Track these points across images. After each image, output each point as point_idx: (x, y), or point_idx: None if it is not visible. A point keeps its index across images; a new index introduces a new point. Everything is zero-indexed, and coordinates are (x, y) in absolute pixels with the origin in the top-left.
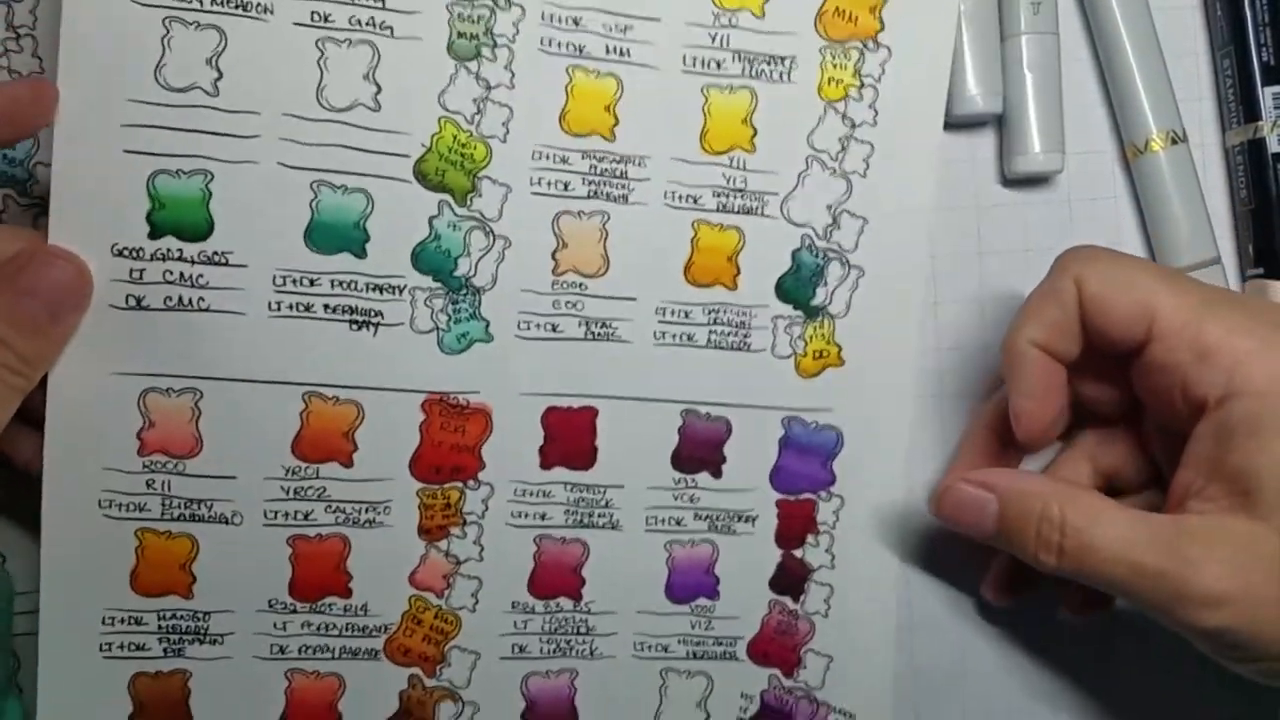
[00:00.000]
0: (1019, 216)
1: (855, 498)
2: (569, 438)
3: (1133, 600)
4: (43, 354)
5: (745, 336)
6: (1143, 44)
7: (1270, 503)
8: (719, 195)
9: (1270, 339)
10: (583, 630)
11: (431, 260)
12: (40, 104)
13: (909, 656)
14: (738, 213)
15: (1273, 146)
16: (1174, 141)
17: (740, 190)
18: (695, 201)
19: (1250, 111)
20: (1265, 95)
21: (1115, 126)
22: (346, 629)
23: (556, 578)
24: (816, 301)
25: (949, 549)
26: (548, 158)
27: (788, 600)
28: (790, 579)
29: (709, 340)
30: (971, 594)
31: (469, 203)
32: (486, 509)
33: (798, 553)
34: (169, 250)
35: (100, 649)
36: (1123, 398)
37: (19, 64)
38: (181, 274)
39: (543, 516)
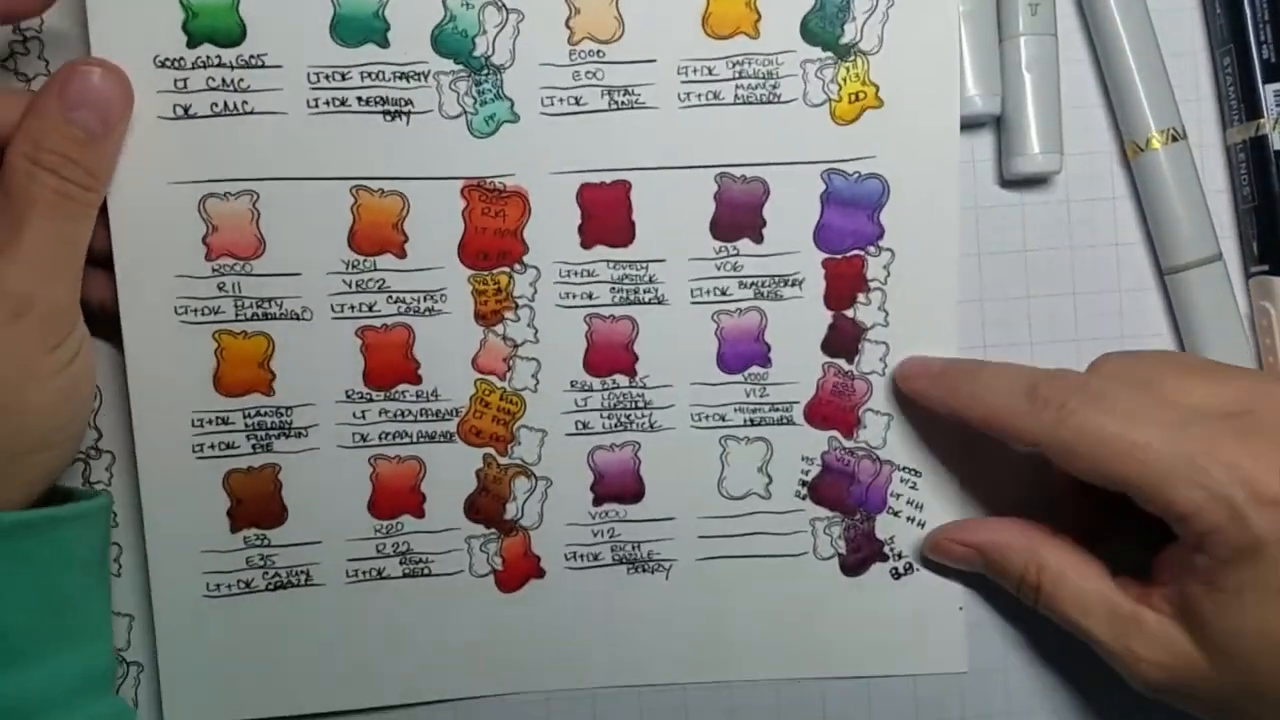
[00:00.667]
0: (1018, 217)
1: (906, 250)
2: (605, 214)
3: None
4: (103, 164)
5: (774, 87)
6: (1141, 41)
7: (1214, 642)
8: None
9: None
10: (640, 405)
11: (450, 42)
12: None
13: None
14: None
15: (1275, 144)
16: (1173, 139)
17: None
18: None
19: (1251, 109)
20: (1266, 92)
21: (1114, 127)
22: (421, 414)
23: (609, 355)
24: (846, 39)
25: None
26: None
27: (842, 362)
28: (843, 340)
29: (736, 96)
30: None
31: None
32: (535, 292)
33: (849, 312)
34: (208, 58)
35: (193, 450)
36: None
37: (25, 66)
38: (223, 79)
39: (589, 296)
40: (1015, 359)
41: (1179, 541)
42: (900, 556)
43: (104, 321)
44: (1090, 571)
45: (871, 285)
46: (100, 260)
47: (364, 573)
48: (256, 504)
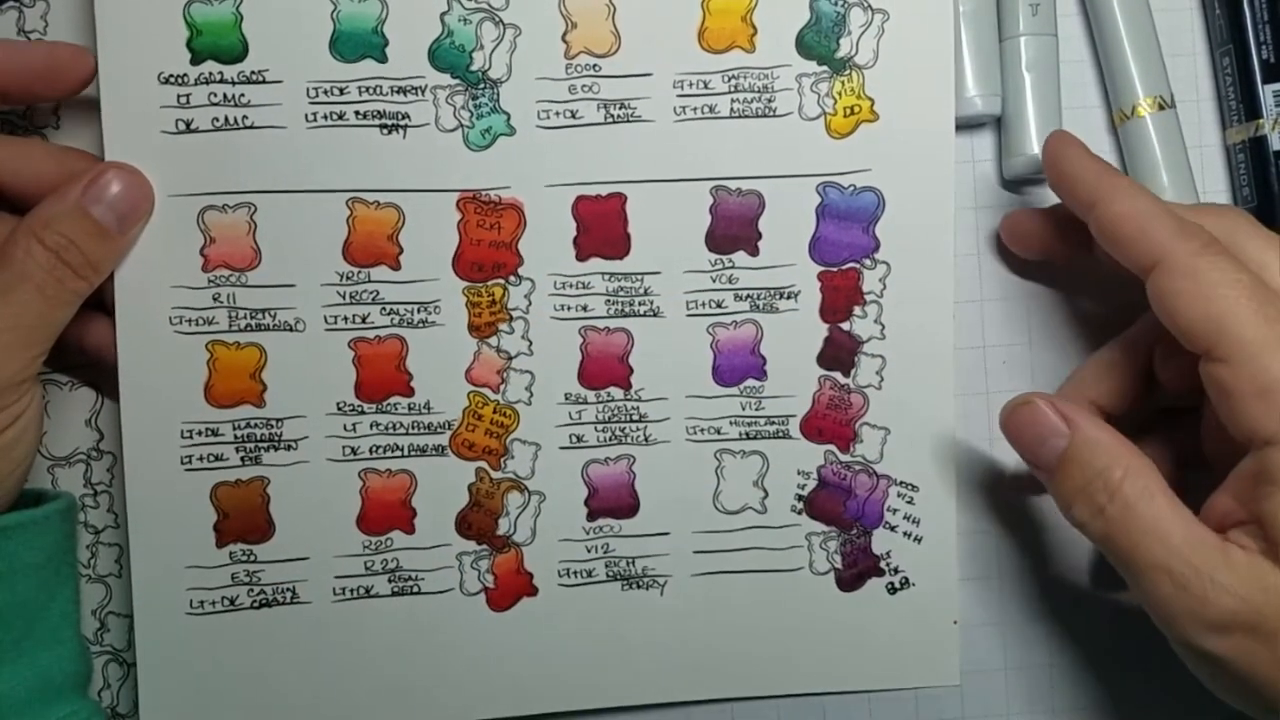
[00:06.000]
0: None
1: (902, 263)
2: (600, 226)
3: (1141, 592)
4: (107, 260)
5: (770, 101)
6: (1133, 9)
7: None
8: None
9: None
10: (635, 418)
11: (447, 57)
12: (79, 66)
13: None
14: None
15: (1274, 144)
16: (1161, 107)
17: None
18: None
19: (1251, 109)
20: (1265, 93)
21: (1113, 129)
22: (412, 427)
23: (604, 368)
24: (841, 53)
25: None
26: None
27: (838, 375)
28: (839, 353)
29: (732, 109)
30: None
31: None
32: (530, 304)
33: (845, 325)
34: (211, 74)
35: (181, 462)
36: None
37: None
38: (225, 95)
39: (584, 308)
40: (1015, 359)
41: (1243, 464)
42: (896, 571)
43: (99, 367)
44: (1176, 501)
45: (868, 298)
46: (101, 307)
47: (351, 590)
48: (244, 518)
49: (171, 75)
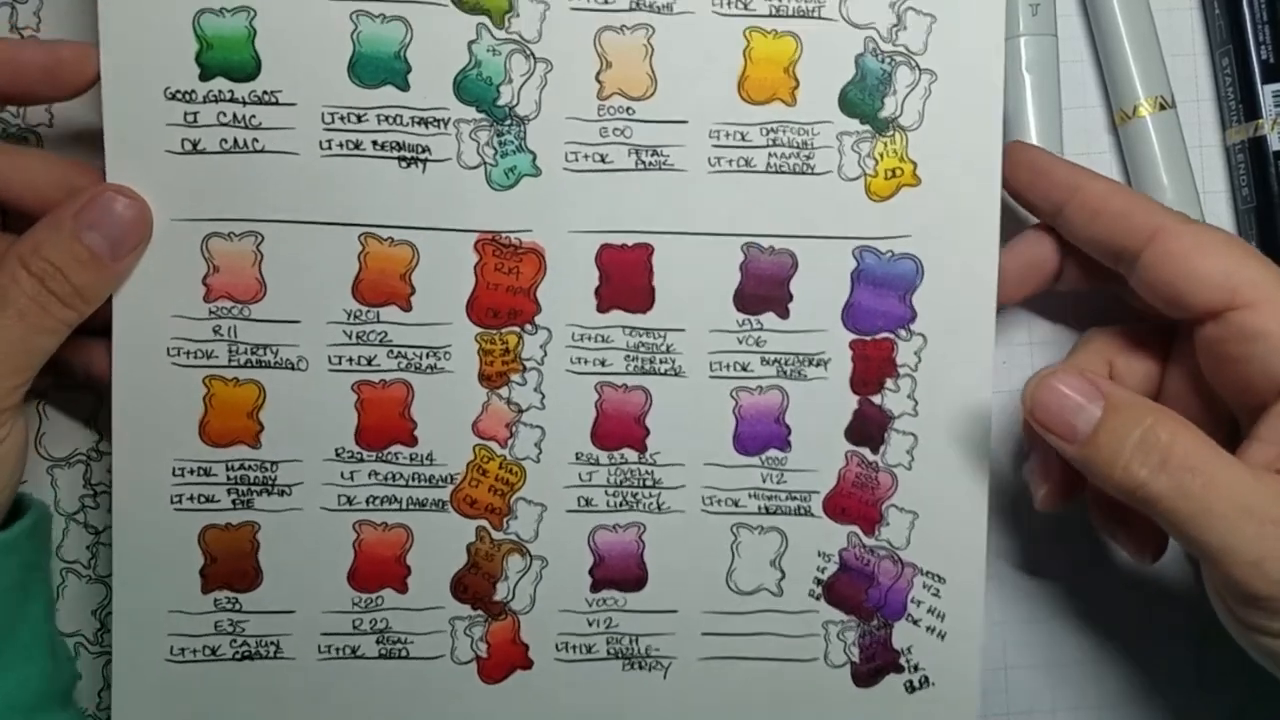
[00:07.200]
0: (1018, 218)
1: (939, 336)
2: (624, 277)
3: (1214, 550)
4: (98, 288)
5: (808, 158)
6: (1133, 9)
7: None
8: None
9: None
10: (649, 483)
11: (473, 89)
12: (83, 66)
13: None
14: (792, 16)
15: (1273, 144)
16: (1161, 107)
17: None
18: (745, 6)
19: (1250, 110)
20: (1265, 93)
21: (1113, 129)
22: (413, 479)
23: (619, 427)
24: (885, 113)
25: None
26: None
27: (866, 451)
28: (868, 428)
29: (768, 164)
30: None
31: (507, 24)
32: (545, 355)
33: (876, 399)
34: (220, 92)
35: (171, 501)
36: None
37: None
38: (235, 115)
39: (602, 363)
40: (1016, 360)
41: None
42: (917, 669)
43: (92, 389)
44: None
45: (901, 371)
46: (96, 330)
47: (337, 649)
48: (231, 564)
49: (179, 91)
